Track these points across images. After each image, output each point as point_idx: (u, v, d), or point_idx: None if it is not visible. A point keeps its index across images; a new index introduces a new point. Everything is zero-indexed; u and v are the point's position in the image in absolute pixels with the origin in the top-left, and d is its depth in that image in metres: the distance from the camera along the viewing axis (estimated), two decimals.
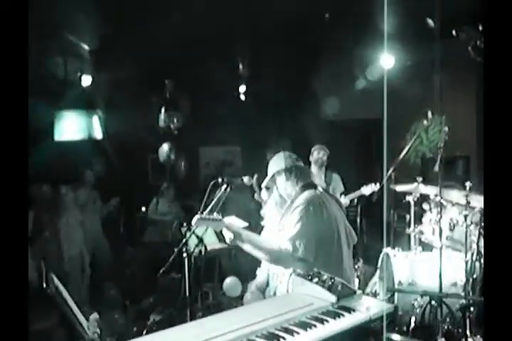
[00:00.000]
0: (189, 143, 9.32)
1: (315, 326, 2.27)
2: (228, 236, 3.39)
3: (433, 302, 3.94)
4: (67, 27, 5.85)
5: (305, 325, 2.27)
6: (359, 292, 2.65)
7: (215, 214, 3.40)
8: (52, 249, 4.89)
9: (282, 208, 3.51)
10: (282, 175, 3.47)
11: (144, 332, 4.40)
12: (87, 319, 2.72)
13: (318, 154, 5.70)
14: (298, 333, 2.20)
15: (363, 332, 2.40)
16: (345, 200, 5.55)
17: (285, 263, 3.24)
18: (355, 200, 5.69)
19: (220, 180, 3.70)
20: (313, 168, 5.67)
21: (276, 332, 2.19)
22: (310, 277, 2.63)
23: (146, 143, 8.99)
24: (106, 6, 5.40)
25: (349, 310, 2.45)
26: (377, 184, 5.31)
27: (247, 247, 3.34)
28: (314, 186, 3.46)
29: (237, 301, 6.04)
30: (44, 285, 2.54)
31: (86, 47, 6.67)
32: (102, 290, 6.69)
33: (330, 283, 2.59)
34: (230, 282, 6.56)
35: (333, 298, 2.50)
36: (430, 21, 5.30)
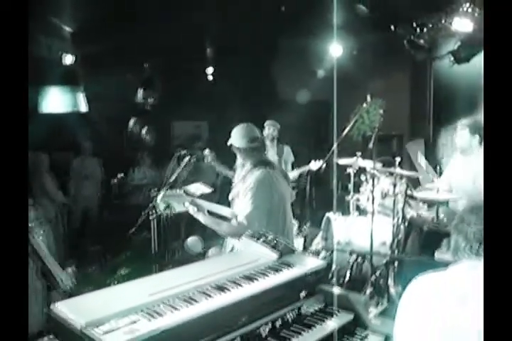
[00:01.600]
0: (162, 117, 9.27)
1: (258, 279, 2.34)
2: (191, 208, 3.43)
3: (361, 259, 4.07)
4: (51, 10, 5.65)
5: (250, 278, 2.34)
6: (298, 250, 2.74)
7: (177, 190, 3.43)
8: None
9: (238, 178, 3.54)
10: (237, 152, 3.48)
11: (113, 283, 4.41)
12: (64, 271, 2.75)
13: (268, 130, 5.63)
14: (243, 284, 2.26)
15: (300, 285, 2.49)
16: (294, 174, 5.55)
17: (238, 235, 3.22)
18: (305, 173, 5.71)
19: (183, 152, 3.70)
20: (267, 143, 5.66)
21: (225, 283, 2.25)
22: (257, 237, 2.70)
23: (125, 117, 8.89)
24: None
25: (289, 265, 2.52)
26: (323, 161, 5.33)
27: (208, 222, 3.42)
28: (265, 164, 3.43)
29: (200, 257, 6.11)
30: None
31: (68, 29, 6.48)
32: (82, 247, 6.69)
33: (274, 242, 2.66)
34: (192, 240, 6.62)
35: (275, 255, 2.57)
36: (362, 7, 5.31)
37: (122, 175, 8.05)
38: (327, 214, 5.01)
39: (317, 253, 4.85)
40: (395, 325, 1.73)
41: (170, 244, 5.67)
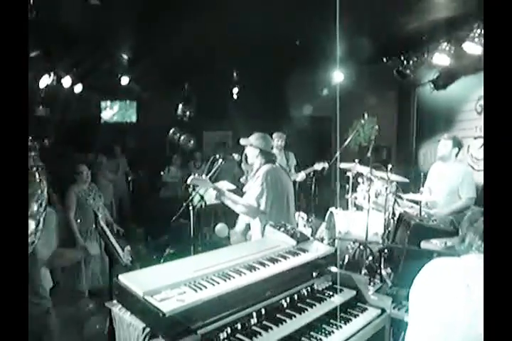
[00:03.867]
0: (196, 128, 9.31)
1: (280, 261, 2.33)
2: (214, 193, 3.44)
3: (361, 246, 4.04)
4: (111, 41, 5.70)
5: (273, 260, 2.33)
6: (312, 238, 2.72)
7: (203, 176, 3.46)
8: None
9: (249, 175, 3.59)
10: (251, 149, 3.48)
11: (162, 260, 4.43)
12: (123, 250, 2.75)
13: (277, 141, 5.51)
14: (268, 265, 2.25)
15: (313, 266, 2.47)
16: (302, 174, 5.52)
17: (252, 214, 3.34)
18: (311, 174, 5.66)
19: (217, 156, 3.72)
20: (274, 150, 5.59)
21: (253, 264, 2.24)
22: (278, 227, 2.69)
23: (167, 127, 8.96)
24: (136, 20, 5.23)
25: (304, 250, 2.51)
26: (325, 162, 5.29)
27: (227, 202, 3.42)
28: (273, 161, 3.49)
29: (226, 240, 6.13)
30: (94, 226, 2.59)
31: (126, 56, 6.53)
32: (131, 230, 6.71)
33: (292, 231, 2.65)
34: (220, 227, 6.62)
35: (293, 242, 2.55)
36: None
37: (162, 173, 8.09)
38: (330, 209, 4.98)
39: (321, 240, 4.82)
40: (410, 296, 1.69)
41: (202, 229, 5.70)
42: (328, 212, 5.01)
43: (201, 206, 4.67)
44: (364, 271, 4.10)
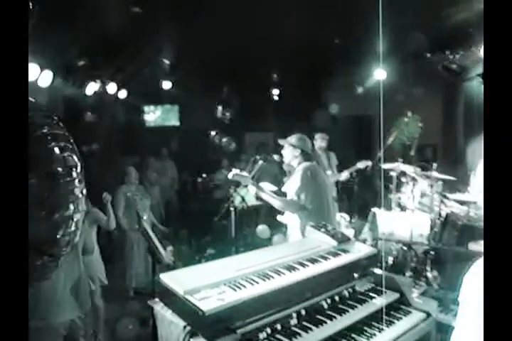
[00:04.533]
0: (237, 129, 9.38)
1: (320, 261, 2.31)
2: (254, 190, 3.46)
3: (405, 247, 3.92)
4: (152, 47, 5.86)
5: (313, 261, 2.30)
6: (353, 239, 2.67)
7: (244, 172, 3.49)
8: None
9: (289, 171, 3.60)
10: (290, 149, 3.49)
11: (202, 261, 4.50)
12: (165, 249, 2.81)
13: (320, 142, 5.46)
14: (308, 266, 2.23)
15: (354, 267, 2.42)
16: (345, 173, 5.43)
17: (291, 208, 3.34)
18: (354, 174, 5.56)
19: (257, 157, 3.73)
20: (317, 150, 5.52)
21: (293, 264, 2.23)
22: (319, 228, 2.66)
23: (208, 129, 9.08)
24: (175, 25, 5.35)
25: (345, 251, 2.47)
26: (368, 160, 5.17)
27: (266, 197, 3.43)
28: (312, 160, 3.51)
29: (268, 241, 6.12)
30: (137, 226, 2.67)
31: (167, 61, 6.69)
32: (174, 230, 6.84)
33: (333, 232, 2.61)
34: (262, 228, 6.63)
35: (334, 243, 2.52)
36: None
37: (205, 175, 8.19)
38: (373, 210, 4.87)
39: (364, 242, 4.71)
40: (460, 297, 1.62)
41: (244, 230, 5.73)
42: (371, 213, 4.89)
43: (243, 207, 4.71)
44: (409, 273, 3.97)
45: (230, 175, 3.42)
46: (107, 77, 5.99)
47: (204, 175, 8.27)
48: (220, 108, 9.21)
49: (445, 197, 4.16)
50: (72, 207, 0.93)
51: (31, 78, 4.57)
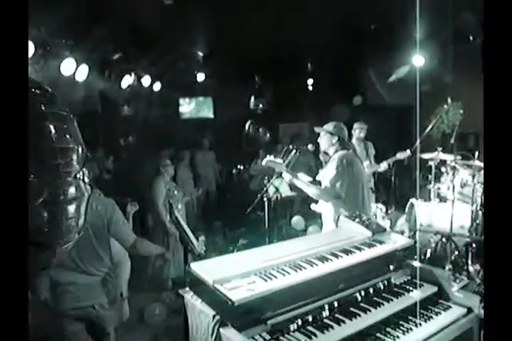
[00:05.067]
0: (272, 120, 9.31)
1: (354, 252, 2.23)
2: (288, 177, 3.42)
3: (444, 239, 3.76)
4: (186, 39, 5.87)
5: (347, 251, 2.23)
6: (388, 229, 2.57)
7: (278, 159, 3.45)
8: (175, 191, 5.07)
9: (325, 161, 3.51)
10: (327, 137, 3.42)
11: (235, 251, 4.49)
12: (197, 240, 2.81)
13: (359, 132, 5.32)
14: (341, 257, 2.17)
15: (390, 259, 2.33)
16: (384, 164, 5.26)
17: (326, 196, 3.28)
18: (391, 164, 5.37)
19: (291, 146, 3.67)
20: (355, 140, 5.38)
21: (326, 255, 2.17)
22: (353, 218, 2.58)
23: (242, 120, 9.05)
24: (207, 16, 5.32)
25: (380, 242, 2.38)
26: (408, 151, 4.98)
27: (300, 184, 3.37)
28: (348, 148, 3.41)
29: (303, 233, 6.07)
30: (168, 216, 2.68)
31: (200, 53, 6.70)
32: (209, 221, 6.90)
33: (367, 222, 2.52)
34: (297, 219, 6.58)
35: (369, 233, 2.43)
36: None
37: (242, 166, 8.18)
38: (410, 200, 4.71)
39: (401, 233, 4.58)
40: None
41: (278, 221, 5.69)
42: (409, 204, 4.75)
43: (277, 198, 4.66)
44: (449, 266, 3.82)
45: (263, 162, 3.41)
46: (141, 70, 6.05)
47: (240, 167, 8.27)
48: (253, 99, 9.14)
49: None
50: (70, 190, 0.89)
51: (68, 73, 4.66)
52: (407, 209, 4.79)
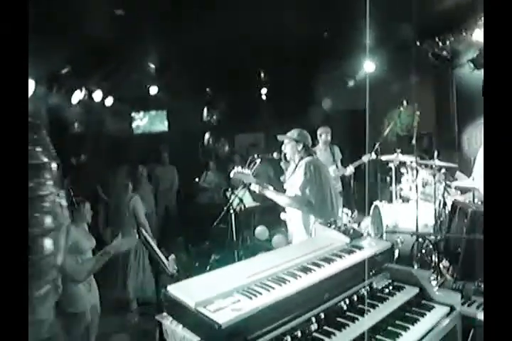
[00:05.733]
0: (226, 131, 9.22)
1: (335, 260, 2.17)
2: (256, 188, 3.35)
3: (420, 239, 3.79)
4: (137, 51, 5.69)
5: (328, 260, 2.16)
6: (365, 234, 2.53)
7: (246, 170, 3.37)
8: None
9: (289, 170, 3.46)
10: (292, 144, 3.37)
11: (208, 268, 4.33)
12: (167, 259, 2.64)
13: (325, 136, 5.38)
14: (323, 266, 2.09)
15: (370, 263, 2.28)
16: (350, 168, 5.29)
17: (297, 204, 3.22)
18: (361, 165, 5.36)
19: (255, 156, 3.59)
20: (321, 145, 5.42)
21: (308, 265, 2.09)
22: (329, 224, 2.52)
23: (196, 132, 8.91)
24: (159, 28, 5.19)
25: (359, 247, 2.33)
26: (373, 154, 5.04)
27: (270, 195, 3.31)
28: (312, 154, 3.40)
29: (267, 243, 5.98)
30: (137, 236, 2.51)
31: (153, 66, 6.52)
32: (171, 237, 6.65)
33: (344, 228, 2.48)
34: (260, 229, 6.49)
35: (347, 239, 2.39)
36: None
37: (197, 179, 8.02)
38: (374, 203, 4.76)
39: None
40: None
41: (243, 232, 5.57)
42: (373, 206, 4.79)
43: (240, 209, 4.56)
44: (417, 265, 3.86)
45: (231, 174, 3.31)
46: (92, 85, 5.79)
47: (196, 179, 8.11)
48: (205, 110, 9.04)
49: (448, 185, 4.04)
50: (46, 220, 0.71)
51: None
52: (371, 212, 4.83)
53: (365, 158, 5.16)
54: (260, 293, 1.78)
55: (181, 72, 6.81)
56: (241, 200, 4.50)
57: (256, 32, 5.53)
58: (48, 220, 0.70)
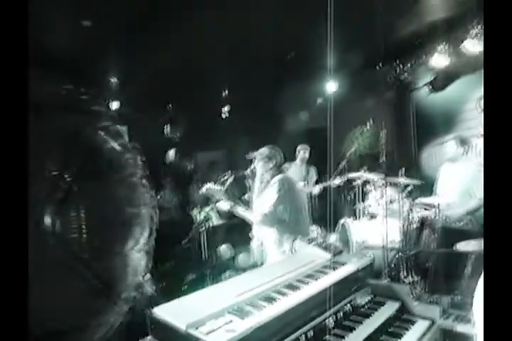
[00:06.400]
0: (187, 149, 9.11)
1: (320, 277, 2.16)
2: (227, 205, 3.29)
3: (398, 254, 3.86)
4: (100, 65, 5.56)
5: (313, 277, 2.16)
6: (345, 250, 2.56)
7: (217, 186, 3.33)
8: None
9: (260, 187, 3.43)
10: (264, 160, 3.36)
11: (183, 288, 4.20)
12: (143, 279, 2.54)
13: (304, 154, 5.48)
14: (310, 282, 2.08)
15: (353, 279, 2.31)
16: (318, 187, 5.37)
17: (270, 222, 3.17)
18: (327, 187, 5.46)
19: (229, 172, 3.56)
20: (298, 161, 5.50)
21: (295, 283, 2.07)
22: (309, 241, 2.53)
23: (158, 150, 8.75)
24: (119, 46, 5.12)
25: (342, 263, 2.35)
26: (343, 177, 5.14)
27: (241, 212, 3.27)
28: (284, 172, 3.41)
29: (231, 261, 5.91)
30: None
31: (112, 80, 6.39)
32: None
33: (324, 245, 2.49)
34: (224, 248, 6.42)
35: (328, 256, 2.40)
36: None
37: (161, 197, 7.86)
38: (341, 220, 4.83)
39: None
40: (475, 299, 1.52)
41: (208, 251, 5.48)
42: (340, 223, 4.86)
43: (208, 227, 4.49)
44: (387, 279, 3.93)
45: (203, 189, 3.24)
46: None
47: (159, 197, 7.93)
48: (168, 127, 8.93)
49: (413, 201, 4.19)
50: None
51: None
52: (338, 229, 4.90)
53: (335, 181, 5.23)
54: (252, 313, 1.74)
55: (144, 88, 6.72)
56: (209, 218, 4.45)
57: (221, 50, 5.59)
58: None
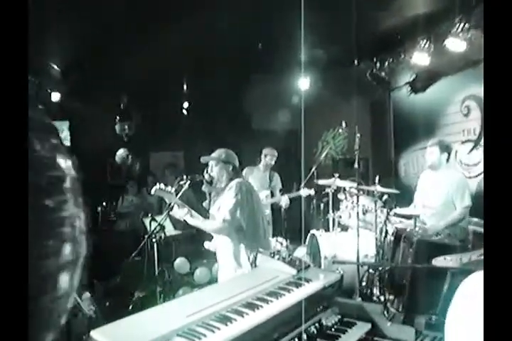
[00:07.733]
0: (141, 149, 8.97)
1: (283, 295, 2.17)
2: (182, 212, 3.29)
3: (371, 270, 3.90)
4: (43, 50, 5.42)
5: (275, 294, 2.16)
6: (312, 265, 2.58)
7: (169, 187, 3.31)
8: None
9: (217, 192, 3.45)
10: (220, 164, 3.39)
11: (130, 307, 4.10)
12: (81, 298, 2.48)
13: (270, 160, 5.42)
14: (271, 301, 2.08)
15: (319, 297, 2.32)
16: (285, 198, 5.37)
17: (227, 230, 3.19)
18: (296, 197, 5.46)
19: (185, 176, 3.53)
20: (262, 166, 5.46)
21: (254, 301, 2.06)
22: (272, 255, 2.53)
23: (107, 148, 8.56)
24: (74, 30, 5.02)
25: (307, 280, 2.36)
26: (312, 189, 5.16)
27: (195, 222, 3.28)
28: (241, 176, 3.48)
29: (189, 277, 5.84)
30: None
31: (56, 67, 6.23)
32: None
33: (289, 259, 2.50)
34: (180, 262, 6.33)
35: (293, 271, 2.40)
36: None
37: (107, 203, 7.72)
38: (311, 231, 4.87)
39: None
40: (449, 324, 1.56)
41: (162, 265, 5.38)
42: (309, 235, 4.89)
43: (160, 238, 4.42)
44: (358, 298, 3.98)
45: (152, 191, 3.22)
46: None
47: (104, 204, 7.77)
48: (118, 122, 8.75)
49: (389, 213, 4.27)
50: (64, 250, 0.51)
51: None
52: (307, 242, 4.93)
53: (302, 192, 5.28)
54: (204, 335, 1.72)
55: (91, 77, 6.59)
56: (163, 228, 4.38)
57: (184, 39, 5.56)
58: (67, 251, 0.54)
